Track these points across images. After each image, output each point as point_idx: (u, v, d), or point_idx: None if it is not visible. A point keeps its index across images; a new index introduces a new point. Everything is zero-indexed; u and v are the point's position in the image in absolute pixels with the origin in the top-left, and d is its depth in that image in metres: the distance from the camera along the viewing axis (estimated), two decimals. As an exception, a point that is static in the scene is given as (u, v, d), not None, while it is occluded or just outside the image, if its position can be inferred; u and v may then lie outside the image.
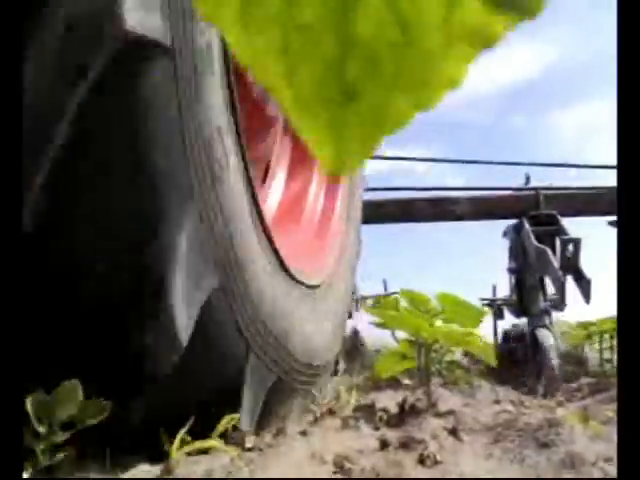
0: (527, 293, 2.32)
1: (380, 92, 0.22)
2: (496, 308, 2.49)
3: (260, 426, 1.01)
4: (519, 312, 2.37)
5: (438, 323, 1.85)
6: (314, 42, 0.22)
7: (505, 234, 2.53)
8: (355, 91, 0.22)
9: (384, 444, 1.07)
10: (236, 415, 0.89)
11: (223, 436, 0.88)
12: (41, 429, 0.69)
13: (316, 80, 0.22)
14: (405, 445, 1.00)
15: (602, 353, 2.50)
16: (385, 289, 2.93)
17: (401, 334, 2.14)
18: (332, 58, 0.22)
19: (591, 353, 2.66)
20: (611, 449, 0.86)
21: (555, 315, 2.30)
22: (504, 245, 2.52)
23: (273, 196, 1.43)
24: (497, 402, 1.56)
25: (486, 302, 2.44)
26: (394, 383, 2.18)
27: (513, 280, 2.45)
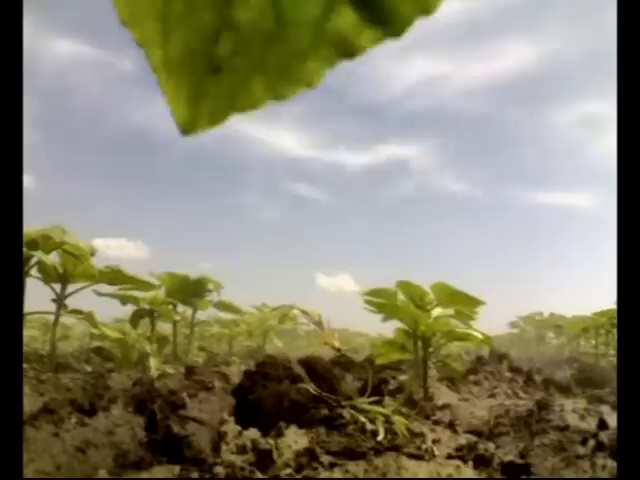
0: None
1: (243, 73, 0.24)
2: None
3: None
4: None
5: (435, 313, 1.85)
6: (194, 13, 0.23)
7: None
8: (221, 66, 0.24)
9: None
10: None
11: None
12: None
13: (188, 47, 0.24)
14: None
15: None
16: None
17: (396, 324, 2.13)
18: (208, 31, 0.23)
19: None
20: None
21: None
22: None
23: None
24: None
25: None
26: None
27: None
